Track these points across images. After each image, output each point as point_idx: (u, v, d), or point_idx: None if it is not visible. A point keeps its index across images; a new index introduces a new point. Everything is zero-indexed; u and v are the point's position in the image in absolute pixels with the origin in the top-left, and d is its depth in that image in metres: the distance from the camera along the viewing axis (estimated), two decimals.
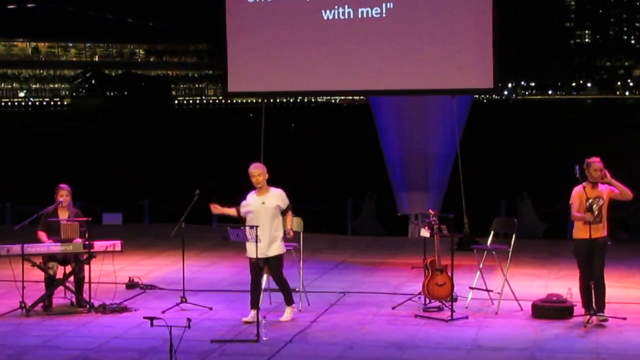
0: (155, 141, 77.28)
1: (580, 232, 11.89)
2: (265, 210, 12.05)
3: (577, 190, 11.89)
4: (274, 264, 12.20)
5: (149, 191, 30.12)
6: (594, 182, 11.82)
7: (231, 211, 12.26)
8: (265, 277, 12.63)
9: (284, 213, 12.21)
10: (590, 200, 11.77)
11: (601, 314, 11.89)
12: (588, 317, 11.87)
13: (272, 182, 12.28)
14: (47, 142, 76.71)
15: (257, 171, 12.12)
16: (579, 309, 12.28)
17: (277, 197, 12.16)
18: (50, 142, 77.57)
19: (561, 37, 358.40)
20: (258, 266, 12.13)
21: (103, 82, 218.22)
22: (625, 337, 11.33)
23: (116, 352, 10.95)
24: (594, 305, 11.89)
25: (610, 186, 11.88)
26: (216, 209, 12.19)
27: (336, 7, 16.18)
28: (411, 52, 15.92)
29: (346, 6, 16.13)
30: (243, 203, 12.23)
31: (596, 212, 11.80)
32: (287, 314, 12.34)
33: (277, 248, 12.18)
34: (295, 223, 12.71)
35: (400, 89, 16.39)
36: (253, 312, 11.97)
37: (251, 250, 12.02)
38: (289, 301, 12.39)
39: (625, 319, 11.76)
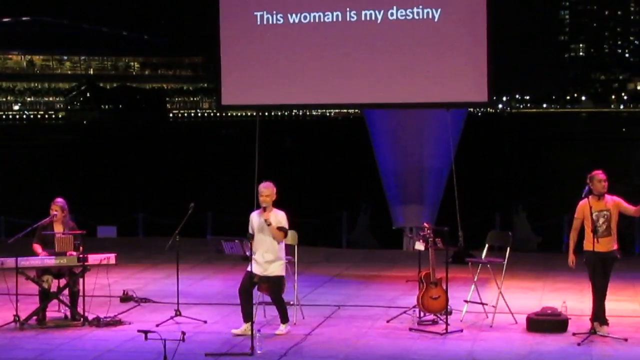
0: (150, 154, 77.24)
1: (588, 243, 11.93)
2: (268, 231, 12.07)
3: (581, 204, 11.96)
4: (273, 285, 12.18)
5: (144, 204, 30.10)
6: (599, 194, 11.88)
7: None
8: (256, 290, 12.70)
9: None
10: (595, 214, 11.82)
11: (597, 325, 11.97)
12: (605, 329, 11.91)
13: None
14: (41, 155, 76.64)
15: (267, 191, 12.12)
16: (573, 322, 12.30)
17: (278, 218, 12.15)
18: (45, 155, 77.50)
19: (556, 50, 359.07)
20: (252, 280, 12.12)
21: (98, 95, 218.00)
22: (621, 350, 11.32)
23: None
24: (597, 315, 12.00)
25: (619, 199, 11.95)
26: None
27: (330, 20, 16.21)
28: (406, 65, 15.94)
29: (340, 18, 16.16)
30: (250, 223, 12.26)
31: (603, 226, 11.85)
32: (283, 327, 12.33)
33: (278, 269, 12.17)
34: (289, 236, 12.73)
35: (395, 102, 16.40)
36: (245, 326, 11.97)
37: (254, 267, 12.06)
38: (284, 319, 12.37)
39: (626, 340, 11.76)
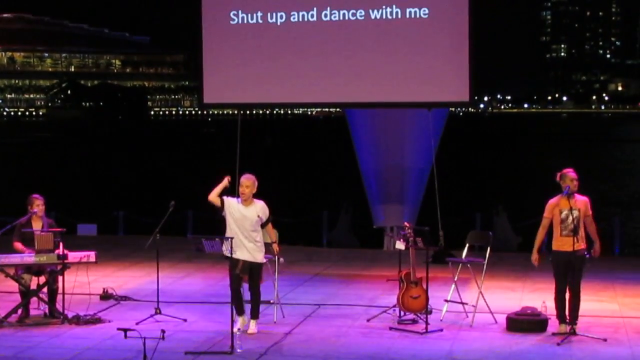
0: (131, 152, 77.10)
1: (556, 243, 11.97)
2: (249, 221, 12.04)
3: (551, 202, 11.99)
4: (256, 272, 12.18)
5: (124, 202, 30.04)
6: (569, 193, 11.89)
7: (217, 200, 12.12)
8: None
9: (263, 225, 12.20)
10: (564, 212, 11.84)
11: (575, 325, 11.98)
12: (564, 327, 11.95)
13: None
14: (21, 153, 76.37)
15: (248, 182, 12.09)
16: (553, 322, 12.33)
17: (259, 208, 12.15)
18: (25, 152, 77.23)
19: (537, 51, 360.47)
20: (239, 275, 12.09)
21: (79, 92, 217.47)
22: (600, 350, 11.36)
23: None
24: (567, 316, 12.01)
25: (587, 201, 11.97)
26: (226, 183, 12.11)
27: (312, 19, 16.20)
28: (387, 65, 15.94)
29: (321, 18, 16.15)
30: (227, 202, 12.15)
31: (570, 225, 11.86)
32: (253, 326, 12.24)
33: (261, 257, 12.20)
34: (271, 235, 12.73)
35: (376, 101, 16.39)
36: (241, 319, 12.01)
37: (241, 254, 12.00)
38: (255, 314, 12.28)
39: (605, 340, 11.80)
